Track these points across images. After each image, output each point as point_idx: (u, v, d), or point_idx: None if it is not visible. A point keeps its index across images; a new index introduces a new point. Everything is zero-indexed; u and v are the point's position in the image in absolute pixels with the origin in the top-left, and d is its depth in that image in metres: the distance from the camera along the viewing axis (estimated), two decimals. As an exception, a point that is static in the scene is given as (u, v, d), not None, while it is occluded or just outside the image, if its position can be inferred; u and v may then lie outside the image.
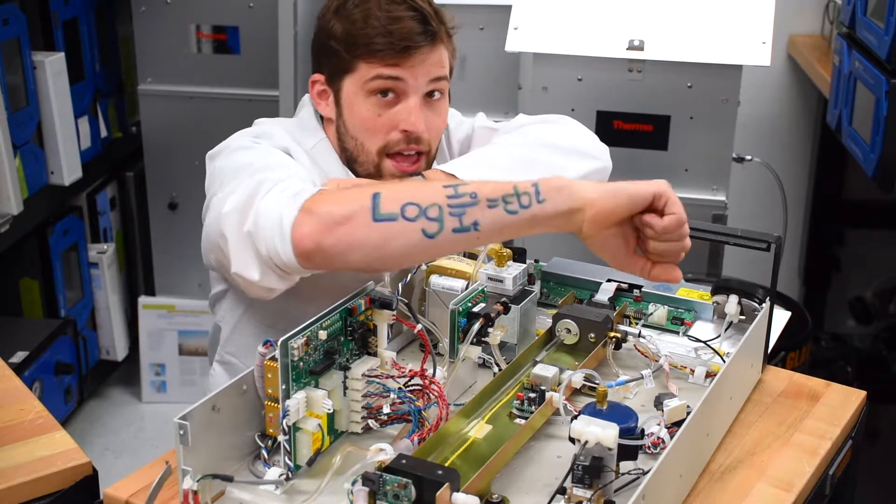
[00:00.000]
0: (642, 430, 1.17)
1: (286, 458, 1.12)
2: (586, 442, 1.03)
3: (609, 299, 1.47)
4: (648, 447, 1.19)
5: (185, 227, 2.90)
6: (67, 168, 2.63)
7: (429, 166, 1.53)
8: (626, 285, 1.51)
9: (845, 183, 3.24)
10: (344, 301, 1.19)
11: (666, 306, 1.50)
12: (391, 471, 0.98)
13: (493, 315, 1.30)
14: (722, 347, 1.42)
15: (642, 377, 1.35)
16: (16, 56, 2.46)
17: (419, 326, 1.26)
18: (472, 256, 1.44)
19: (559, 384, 1.27)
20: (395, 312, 1.21)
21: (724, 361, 1.37)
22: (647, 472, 1.04)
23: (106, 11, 2.95)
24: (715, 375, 1.25)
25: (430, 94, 1.50)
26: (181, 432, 1.06)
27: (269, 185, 1.29)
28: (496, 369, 1.33)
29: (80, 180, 2.72)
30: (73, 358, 2.79)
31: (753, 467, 1.24)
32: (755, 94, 3.00)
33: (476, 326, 1.29)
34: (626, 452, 1.08)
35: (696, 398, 1.19)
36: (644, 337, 1.39)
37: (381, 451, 1.02)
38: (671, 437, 1.16)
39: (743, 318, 1.46)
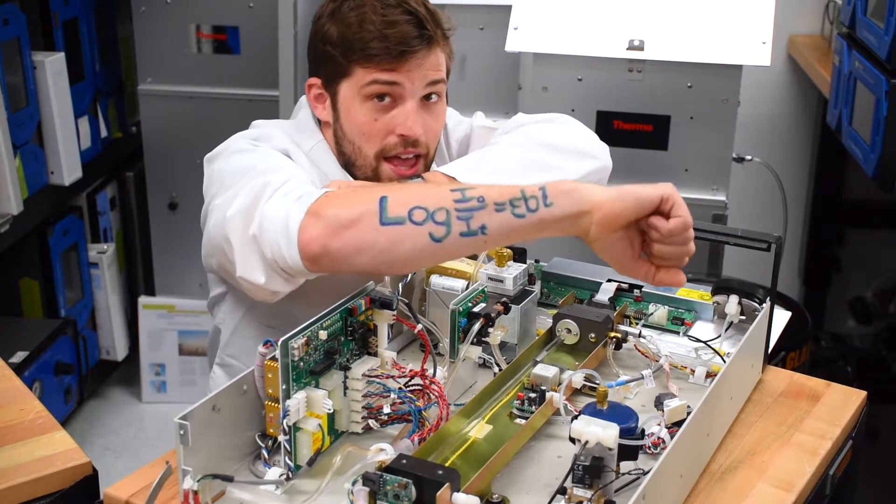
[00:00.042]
0: (643, 431, 1.17)
1: (286, 458, 1.12)
2: (587, 442, 1.03)
3: (609, 299, 1.47)
4: (649, 447, 1.19)
5: (185, 227, 2.91)
6: (67, 168, 2.63)
7: (427, 169, 1.53)
8: (626, 285, 1.51)
9: (845, 183, 3.24)
10: (344, 301, 1.19)
11: (666, 306, 1.50)
12: (391, 471, 0.98)
13: (493, 315, 1.30)
14: (722, 347, 1.42)
15: (643, 377, 1.35)
16: (16, 56, 2.46)
17: (419, 326, 1.26)
18: (473, 256, 1.44)
19: (559, 384, 1.27)
20: (395, 312, 1.21)
21: (724, 361, 1.37)
22: (648, 472, 1.04)
23: (106, 11, 2.95)
24: (715, 375, 1.25)
25: (427, 97, 1.50)
26: (181, 432, 1.06)
27: (272, 187, 1.29)
28: (496, 369, 1.33)
29: (80, 180, 2.72)
30: (73, 358, 2.79)
31: (754, 467, 1.24)
32: (755, 94, 3.00)
33: (476, 326, 1.29)
34: (627, 452, 1.08)
35: (696, 398, 1.19)
36: (644, 337, 1.39)
37: (382, 451, 1.02)
38: (671, 438, 1.15)
39: (743, 318, 1.46)
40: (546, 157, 1.50)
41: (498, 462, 1.13)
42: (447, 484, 0.97)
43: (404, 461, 0.99)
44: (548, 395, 1.24)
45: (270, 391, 1.13)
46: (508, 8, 2.29)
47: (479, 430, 1.19)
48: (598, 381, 1.28)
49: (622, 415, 1.14)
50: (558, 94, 2.26)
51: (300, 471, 1.13)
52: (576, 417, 1.07)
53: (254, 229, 1.28)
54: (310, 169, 1.50)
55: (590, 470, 1.03)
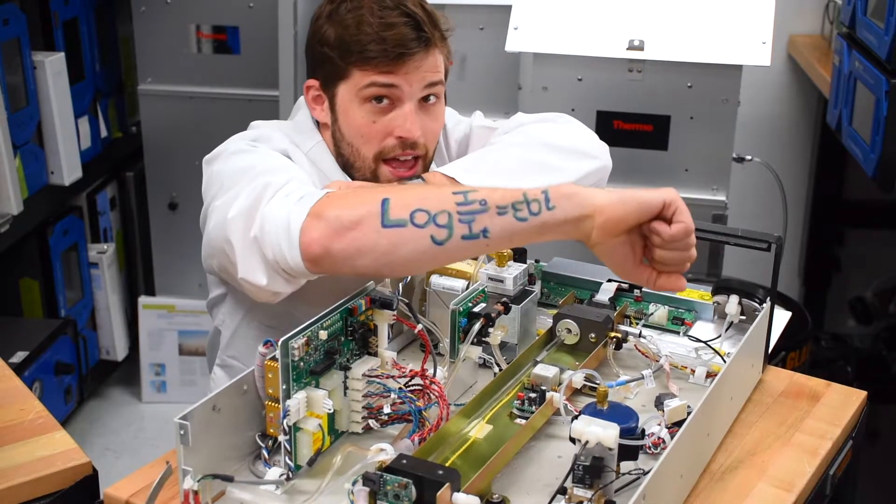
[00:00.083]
0: (643, 431, 1.17)
1: (287, 458, 1.12)
2: (587, 442, 1.03)
3: (609, 299, 1.47)
4: (649, 447, 1.19)
5: (185, 227, 2.90)
6: (67, 168, 2.63)
7: (426, 170, 1.53)
8: (626, 285, 1.51)
9: (845, 183, 3.24)
10: (344, 301, 1.19)
11: (666, 306, 1.50)
12: (392, 471, 0.98)
13: (493, 315, 1.30)
14: (722, 347, 1.42)
15: (643, 377, 1.35)
16: (16, 56, 2.46)
17: (420, 326, 1.25)
18: (473, 257, 1.44)
19: (560, 384, 1.27)
20: (395, 312, 1.21)
21: (724, 361, 1.37)
22: (648, 472, 1.04)
23: (106, 11, 2.95)
24: (715, 375, 1.25)
25: (425, 99, 1.49)
26: (181, 432, 1.06)
27: (273, 188, 1.29)
28: (497, 369, 1.33)
29: (80, 180, 2.72)
30: (73, 358, 2.79)
31: (754, 467, 1.24)
32: (755, 94, 3.00)
33: (476, 326, 1.29)
34: (627, 452, 1.08)
35: (696, 398, 1.19)
36: (644, 337, 1.39)
37: (382, 451, 1.02)
38: (672, 437, 1.15)
39: (743, 318, 1.46)
40: (546, 157, 1.50)
41: (498, 462, 1.13)
42: (447, 484, 0.97)
43: (404, 461, 0.99)
44: (548, 395, 1.24)
45: (270, 391, 1.13)
46: (508, 8, 2.29)
47: (479, 430, 1.19)
48: (598, 381, 1.28)
49: (622, 415, 1.14)
50: (558, 94, 2.26)
51: (300, 471, 1.13)
52: (576, 417, 1.07)
53: (255, 231, 1.27)
54: (310, 169, 1.50)
55: (590, 470, 1.03)
